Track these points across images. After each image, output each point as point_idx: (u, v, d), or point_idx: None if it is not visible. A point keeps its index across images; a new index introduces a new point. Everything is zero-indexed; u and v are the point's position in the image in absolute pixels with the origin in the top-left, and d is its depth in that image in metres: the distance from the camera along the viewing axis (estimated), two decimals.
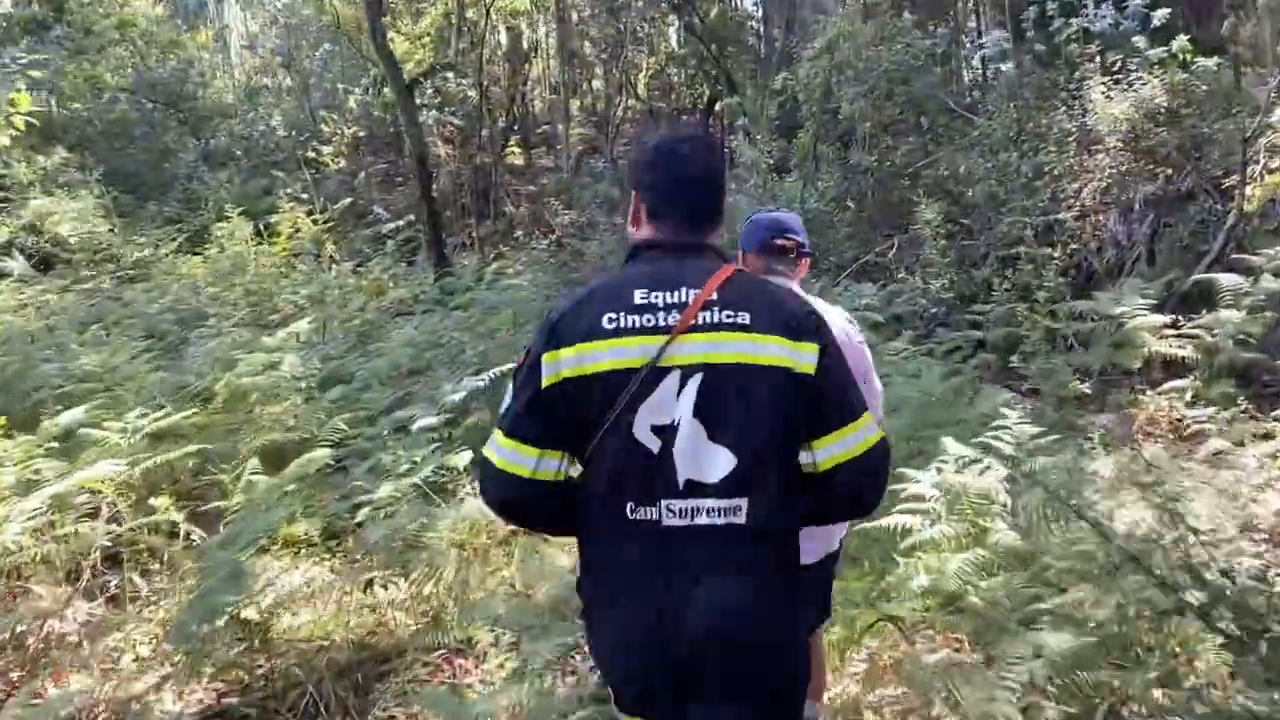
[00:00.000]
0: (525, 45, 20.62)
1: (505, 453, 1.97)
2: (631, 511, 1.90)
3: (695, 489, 1.89)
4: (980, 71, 13.81)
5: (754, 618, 1.91)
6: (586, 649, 2.24)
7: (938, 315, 8.89)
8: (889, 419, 6.46)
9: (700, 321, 1.89)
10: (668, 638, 1.88)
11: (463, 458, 6.11)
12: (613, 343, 1.88)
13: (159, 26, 21.15)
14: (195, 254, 16.47)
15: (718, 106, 22.71)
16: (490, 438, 2.04)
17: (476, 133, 17.84)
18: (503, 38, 21.90)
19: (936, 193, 11.24)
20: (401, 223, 17.51)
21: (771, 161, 13.08)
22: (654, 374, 1.87)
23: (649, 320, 1.89)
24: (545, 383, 1.91)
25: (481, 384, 6.42)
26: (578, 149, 22.76)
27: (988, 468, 4.55)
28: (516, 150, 24.64)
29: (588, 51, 21.63)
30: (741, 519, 1.89)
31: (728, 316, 1.90)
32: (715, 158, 2.20)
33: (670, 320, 1.88)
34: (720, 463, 1.88)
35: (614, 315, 1.90)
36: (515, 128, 20.86)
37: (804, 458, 1.97)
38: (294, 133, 18.79)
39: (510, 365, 7.34)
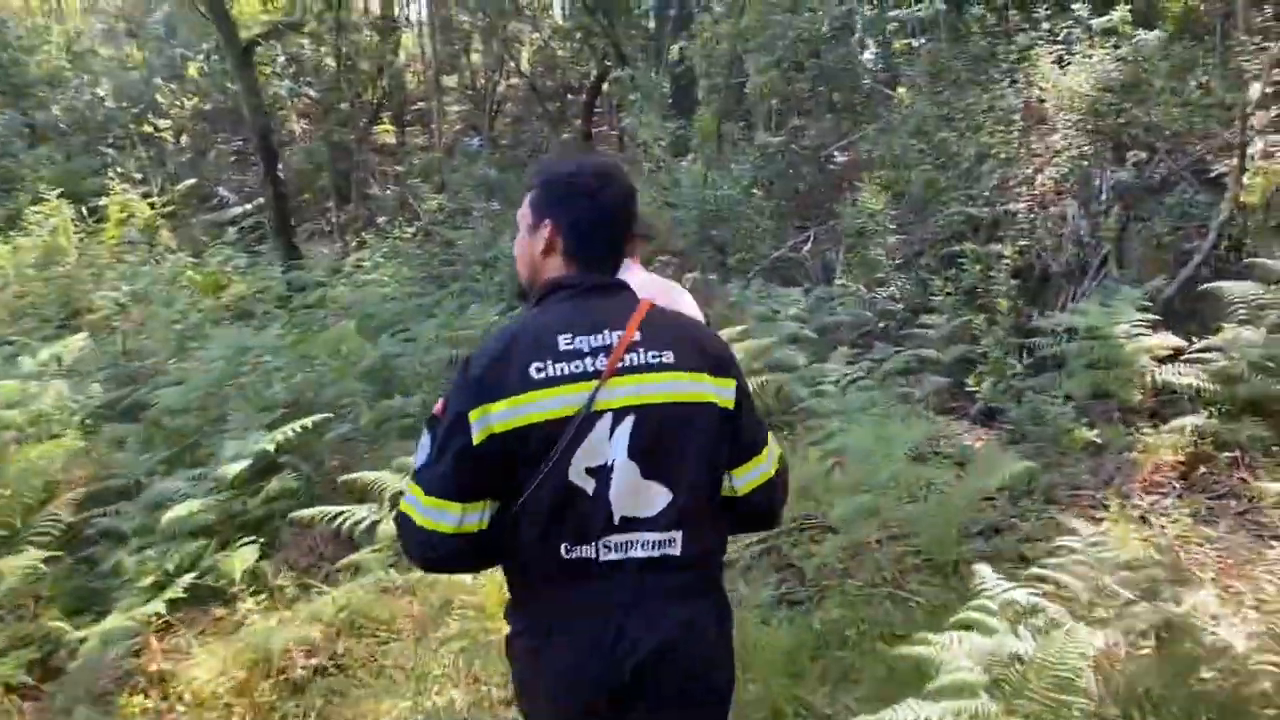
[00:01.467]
0: (395, 11, 18.18)
1: (428, 511, 1.85)
2: (567, 551, 1.85)
3: (630, 524, 1.86)
4: (881, 42, 12.09)
5: (689, 641, 1.89)
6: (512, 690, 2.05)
7: (885, 329, 7.09)
8: (851, 497, 4.63)
9: (627, 363, 1.85)
10: (608, 668, 1.84)
11: (242, 557, 4.06)
12: (544, 393, 1.81)
13: None
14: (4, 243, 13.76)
15: (606, 86, 20.71)
16: (407, 493, 1.90)
17: (335, 107, 15.44)
18: (371, 3, 19.48)
19: (857, 179, 9.52)
20: (250, 207, 15.09)
21: (666, 142, 11.16)
22: (587, 419, 1.82)
23: (577, 366, 1.83)
24: (476, 439, 1.81)
25: (270, 447, 4.36)
26: (455, 129, 20.51)
27: (1053, 623, 2.73)
28: (389, 128, 22.22)
29: (464, 21, 19.31)
30: (676, 550, 1.88)
31: (653, 356, 1.87)
32: (632, 191, 2.04)
33: (598, 365, 1.84)
34: (655, 499, 1.86)
35: (540, 364, 1.82)
36: (383, 103, 18.47)
37: (724, 483, 1.98)
38: (126, 104, 16.04)
39: (320, 416, 5.32)
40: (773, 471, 2.03)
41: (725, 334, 6.19)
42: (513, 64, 20.38)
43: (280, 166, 12.67)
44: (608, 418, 1.83)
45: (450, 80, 23.61)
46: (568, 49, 20.84)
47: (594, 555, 1.85)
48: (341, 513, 4.00)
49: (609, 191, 1.98)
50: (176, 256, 13.42)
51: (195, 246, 14.21)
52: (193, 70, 15.65)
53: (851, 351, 6.79)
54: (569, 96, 22.51)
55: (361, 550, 4.10)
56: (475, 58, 22.42)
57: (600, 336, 1.86)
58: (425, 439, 1.90)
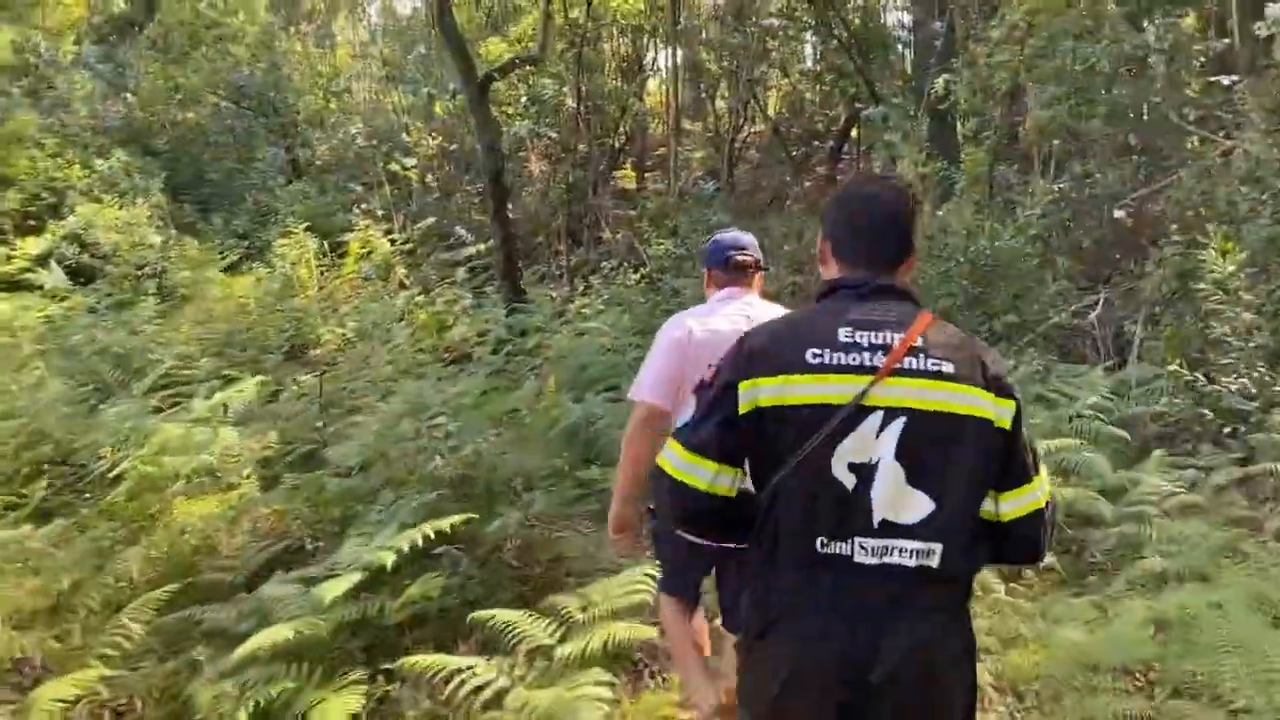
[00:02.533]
0: (645, 56, 17.56)
1: (684, 465, 1.89)
2: (823, 545, 1.82)
3: (890, 529, 1.82)
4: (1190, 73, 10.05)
5: (936, 662, 1.83)
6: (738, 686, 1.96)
7: (1214, 427, 5.30)
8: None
9: (906, 366, 1.83)
10: (847, 673, 1.79)
11: (339, 708, 2.99)
12: (817, 378, 1.83)
13: (252, 28, 18.83)
14: (248, 274, 13.92)
15: (854, 132, 19.30)
16: (666, 449, 1.95)
17: (573, 147, 14.85)
18: (621, 46, 18.95)
19: (1159, 234, 7.75)
20: (484, 247, 14.67)
21: (925, 187, 9.66)
22: (856, 413, 1.80)
23: (854, 359, 1.83)
24: (742, 409, 1.85)
25: (388, 560, 3.30)
26: (695, 175, 19.67)
27: None
28: (630, 173, 21.66)
29: (711, 65, 18.44)
30: (935, 562, 1.82)
31: (933, 364, 1.84)
32: (902, 199, 2.07)
33: (876, 361, 1.83)
34: (919, 506, 1.82)
35: (819, 351, 1.84)
36: (624, 148, 17.83)
37: (986, 505, 1.91)
38: (376, 143, 16.13)
39: (461, 517, 4.18)
40: (1043, 502, 1.92)
41: None
42: (758, 108, 19.35)
43: (511, 207, 12.09)
44: (878, 415, 1.81)
45: (695, 126, 22.93)
46: (816, 92, 19.61)
47: (849, 553, 1.81)
48: (461, 670, 2.87)
49: (872, 193, 2.03)
50: (408, 294, 13.13)
51: (428, 285, 13.92)
52: (439, 109, 15.55)
53: (1169, 456, 5.10)
54: (815, 143, 21.25)
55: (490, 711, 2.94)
56: (720, 104, 21.61)
57: (881, 335, 1.85)
58: (692, 402, 1.96)
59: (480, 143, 11.44)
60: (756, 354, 1.86)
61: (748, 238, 3.26)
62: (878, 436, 1.79)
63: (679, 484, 1.87)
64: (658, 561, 3.31)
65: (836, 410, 1.77)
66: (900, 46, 16.57)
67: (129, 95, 17.93)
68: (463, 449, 4.66)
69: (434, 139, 15.24)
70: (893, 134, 11.96)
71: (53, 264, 13.59)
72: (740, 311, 2.99)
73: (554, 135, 14.89)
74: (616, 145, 17.46)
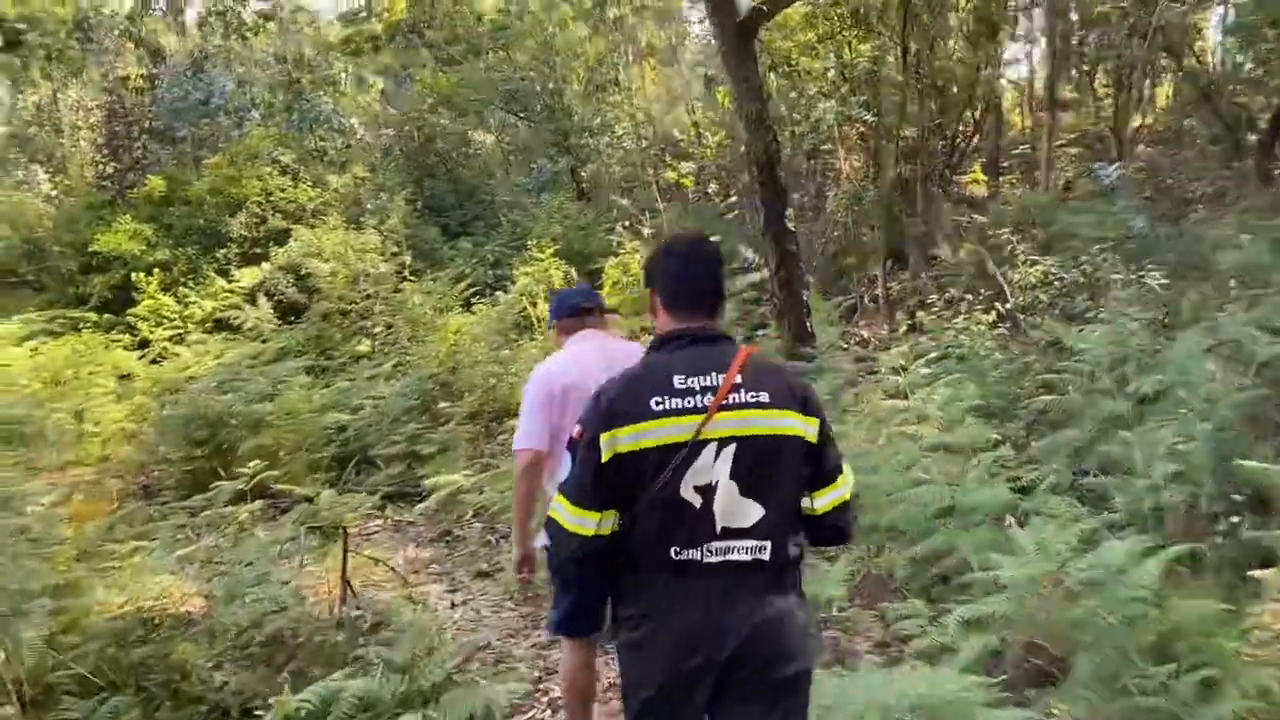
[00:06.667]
0: (995, 15, 12.54)
1: (573, 518, 2.15)
2: (676, 554, 2.11)
3: (730, 533, 2.12)
4: None
5: (777, 631, 2.14)
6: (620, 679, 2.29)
7: None
8: None
9: (730, 401, 2.11)
10: (710, 650, 2.09)
11: None
12: (661, 422, 2.09)
13: (541, 26, 15.84)
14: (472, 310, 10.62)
15: None
16: (555, 503, 2.19)
17: (895, 134, 10.27)
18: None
19: None
20: (767, 273, 10.51)
21: None
22: (695, 446, 2.08)
23: (689, 402, 2.10)
24: (604, 458, 2.09)
25: None
26: (1069, 174, 14.28)
27: None
28: (979, 177, 16.57)
29: (1108, 10, 12.99)
30: (766, 556, 2.14)
31: (752, 396, 2.13)
32: (716, 256, 2.35)
33: (705, 401, 2.10)
34: (751, 513, 2.12)
35: (660, 399, 2.10)
36: (970, 138, 12.92)
37: (804, 502, 2.24)
38: (647, 145, 12.42)
39: None
40: (848, 495, 2.27)
41: None
42: (1171, 66, 13.59)
43: (790, 214, 7.85)
44: (713, 445, 2.09)
45: (1067, 115, 17.34)
46: (1229, 63, 13.53)
47: (699, 557, 2.11)
48: None
49: (693, 257, 2.29)
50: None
51: None
52: (721, 98, 11.63)
53: None
54: (1236, 139, 15.00)
55: None
56: (1102, 83, 15.96)
57: (708, 378, 2.12)
58: (567, 458, 2.19)
59: (741, 115, 7.28)
60: (612, 408, 2.11)
61: (586, 287, 3.87)
62: (714, 462, 2.09)
63: (571, 534, 2.14)
64: (553, 608, 3.25)
65: (680, 447, 2.06)
66: None
67: (393, 110, 15.64)
68: None
69: (712, 136, 11.32)
70: None
71: (261, 299, 11.17)
72: (596, 348, 3.18)
73: (870, 119, 10.40)
74: (958, 134, 12.58)
